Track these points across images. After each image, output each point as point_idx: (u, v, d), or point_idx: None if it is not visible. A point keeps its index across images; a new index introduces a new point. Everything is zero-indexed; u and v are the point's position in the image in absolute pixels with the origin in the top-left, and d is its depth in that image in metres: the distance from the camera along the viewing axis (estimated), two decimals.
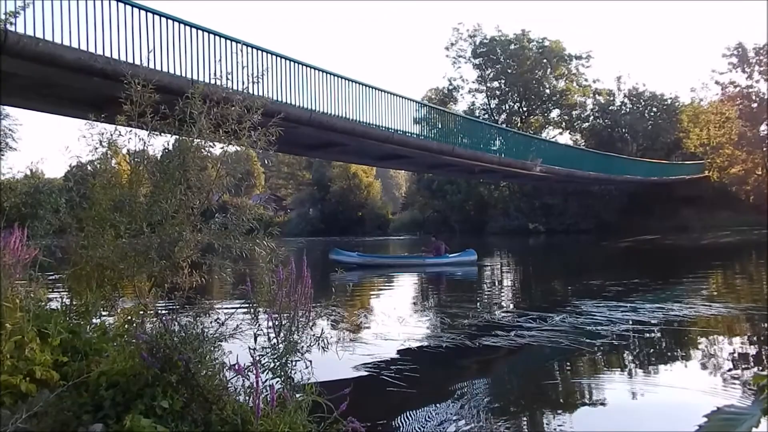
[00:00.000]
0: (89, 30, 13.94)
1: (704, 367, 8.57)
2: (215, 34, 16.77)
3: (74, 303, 5.41)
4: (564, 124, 69.33)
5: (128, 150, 6.17)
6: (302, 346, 4.26)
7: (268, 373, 4.07)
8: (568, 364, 8.77)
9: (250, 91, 6.38)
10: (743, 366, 8.44)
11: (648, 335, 10.20)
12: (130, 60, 14.16)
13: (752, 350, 9.49)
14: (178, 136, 5.94)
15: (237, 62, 15.04)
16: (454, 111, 52.68)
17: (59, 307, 5.36)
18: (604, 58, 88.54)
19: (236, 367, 3.96)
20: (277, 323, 4.26)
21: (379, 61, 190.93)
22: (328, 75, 21.46)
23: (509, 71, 66.65)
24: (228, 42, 16.95)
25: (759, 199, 53.78)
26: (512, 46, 66.15)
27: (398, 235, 67.40)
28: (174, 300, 5.15)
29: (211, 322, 4.65)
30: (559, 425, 6.40)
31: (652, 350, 9.65)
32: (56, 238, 6.09)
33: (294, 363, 4.20)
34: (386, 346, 9.80)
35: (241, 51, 16.79)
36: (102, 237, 5.49)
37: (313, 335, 4.37)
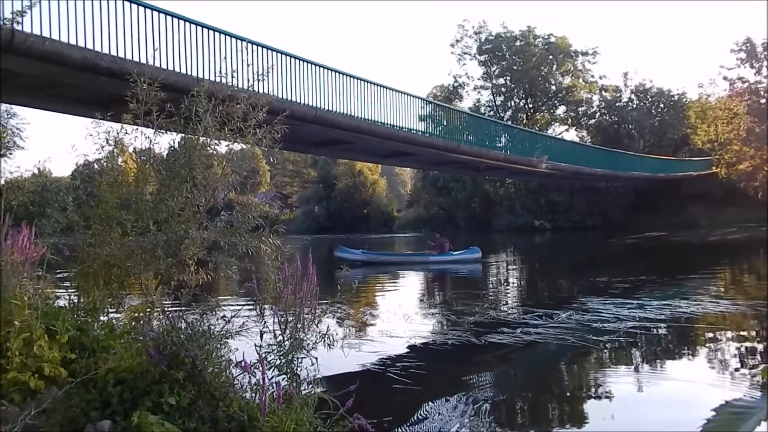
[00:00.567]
0: (95, 29, 13.99)
1: (711, 362, 8.56)
2: (220, 32, 16.79)
3: (82, 300, 5.45)
4: (570, 120, 69.06)
5: (134, 148, 6.21)
6: (308, 344, 4.28)
7: (274, 370, 4.08)
8: (575, 361, 8.78)
9: (255, 88, 6.39)
10: (750, 361, 8.43)
11: (655, 332, 10.19)
12: (135, 59, 14.20)
13: (759, 346, 9.47)
14: (183, 134, 5.96)
15: (242, 60, 15.06)
16: (460, 108, 52.53)
17: (67, 304, 5.40)
18: (611, 54, 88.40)
19: (243, 364, 3.98)
20: (282, 320, 4.28)
21: (385, 59, 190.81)
22: (333, 72, 21.46)
23: (515, 68, 66.38)
24: (233, 40, 16.97)
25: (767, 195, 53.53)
26: (518, 43, 65.91)
27: (404, 232, 67.36)
28: (180, 297, 5.16)
29: (217, 320, 4.67)
30: (565, 422, 6.40)
31: (659, 347, 9.64)
32: (64, 236, 6.12)
33: (300, 360, 4.21)
34: (392, 343, 9.81)
35: (246, 49, 16.81)
36: (109, 235, 5.52)
37: (319, 332, 4.39)
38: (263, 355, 4.05)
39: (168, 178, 5.79)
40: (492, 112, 65.90)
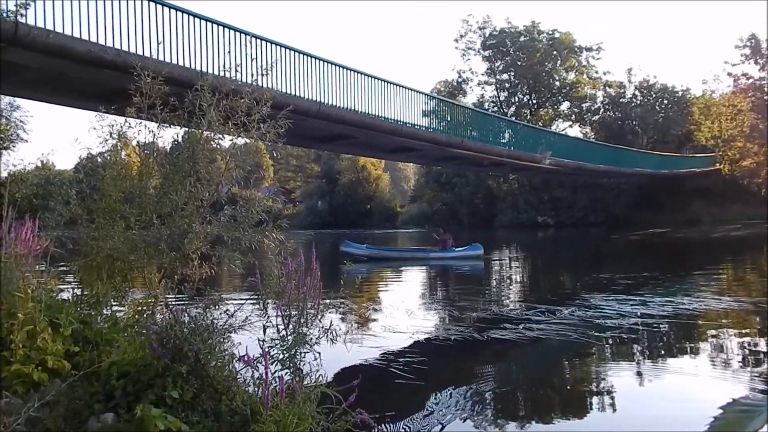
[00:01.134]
0: (99, 22, 13.98)
1: (714, 359, 8.54)
2: (224, 26, 16.78)
3: (85, 294, 5.45)
4: (574, 116, 68.99)
5: (138, 142, 6.21)
6: (311, 338, 4.28)
7: (277, 364, 4.09)
8: (577, 357, 8.77)
9: (259, 83, 6.39)
10: (753, 358, 8.42)
11: (657, 328, 10.17)
12: (139, 52, 14.20)
13: (762, 342, 9.46)
14: (187, 128, 5.96)
15: (246, 54, 15.07)
16: (463, 103, 52.53)
17: (70, 297, 5.40)
18: (615, 50, 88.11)
19: (246, 359, 3.99)
20: (286, 315, 4.28)
21: (388, 53, 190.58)
22: (337, 67, 21.44)
23: (519, 63, 66.31)
24: (237, 34, 16.96)
25: None
26: (522, 38, 65.79)
27: (407, 228, 67.33)
28: (184, 291, 5.17)
29: (220, 314, 4.68)
30: (567, 418, 6.40)
31: (661, 343, 9.63)
32: (67, 230, 6.13)
33: (303, 355, 4.22)
34: (395, 338, 9.82)
35: (250, 43, 16.81)
36: (112, 228, 5.52)
37: (322, 327, 4.39)
38: (266, 350, 4.05)
39: (171, 172, 5.79)
40: (496, 108, 65.86)
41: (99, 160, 6.90)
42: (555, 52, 65.71)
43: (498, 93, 69.46)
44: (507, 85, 69.09)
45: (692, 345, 9.57)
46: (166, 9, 15.43)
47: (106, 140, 5.92)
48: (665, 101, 64.00)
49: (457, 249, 25.28)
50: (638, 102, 64.68)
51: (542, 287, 18.31)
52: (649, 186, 56.09)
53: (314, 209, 80.00)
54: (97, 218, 5.71)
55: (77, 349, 4.37)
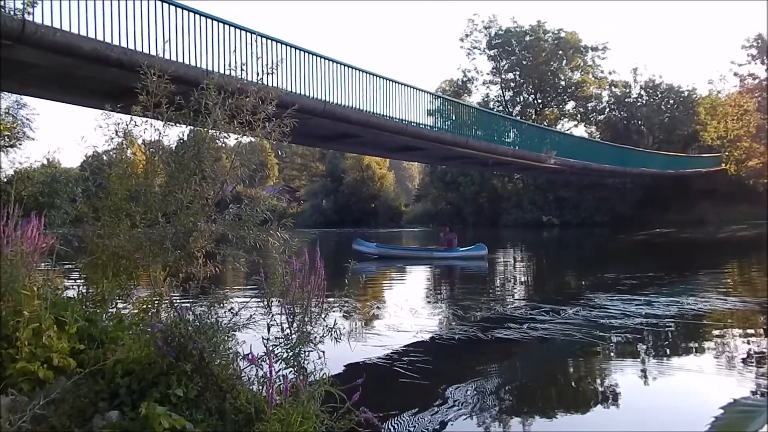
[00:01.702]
0: (106, 20, 14.01)
1: (718, 359, 8.51)
2: (230, 24, 16.79)
3: (90, 292, 5.47)
4: (579, 116, 68.83)
5: (143, 140, 6.21)
6: (315, 337, 4.29)
7: (281, 363, 4.09)
8: (582, 356, 8.76)
9: (265, 82, 6.39)
10: (757, 358, 8.39)
11: (662, 328, 10.15)
12: (146, 50, 14.23)
13: (766, 342, 9.44)
14: (192, 127, 5.97)
15: (252, 53, 15.08)
16: (468, 103, 52.48)
17: (76, 295, 5.42)
18: (621, 49, 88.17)
19: (250, 357, 4.00)
20: (290, 314, 4.29)
21: (394, 53, 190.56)
22: (343, 66, 21.44)
23: (524, 63, 66.24)
24: (243, 33, 16.97)
25: None
26: (527, 38, 65.69)
27: (411, 226, 67.31)
28: (188, 290, 5.18)
29: (225, 312, 4.68)
30: (571, 417, 6.40)
31: (666, 343, 9.61)
32: (73, 228, 6.15)
33: (307, 353, 4.22)
34: (399, 337, 9.82)
35: (256, 42, 16.82)
36: (118, 226, 5.54)
37: (326, 326, 4.39)
38: (270, 348, 4.06)
39: (177, 170, 5.81)
40: (501, 107, 65.79)
41: (105, 158, 6.93)
42: (560, 52, 65.57)
43: (503, 92, 69.36)
44: (512, 84, 68.99)
45: (697, 345, 9.55)
46: (172, 8, 15.45)
47: (112, 138, 5.94)
48: (671, 101, 63.81)
49: (461, 249, 25.24)
50: (644, 102, 64.51)
51: (547, 287, 18.28)
52: (654, 186, 55.96)
53: (319, 208, 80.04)
54: (103, 216, 5.73)
55: (82, 347, 4.39)
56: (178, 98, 5.78)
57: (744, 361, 8.33)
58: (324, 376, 4.05)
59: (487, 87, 70.04)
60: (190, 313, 4.27)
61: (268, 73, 6.62)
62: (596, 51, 66.25)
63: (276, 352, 4.12)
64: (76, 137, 6.11)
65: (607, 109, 67.04)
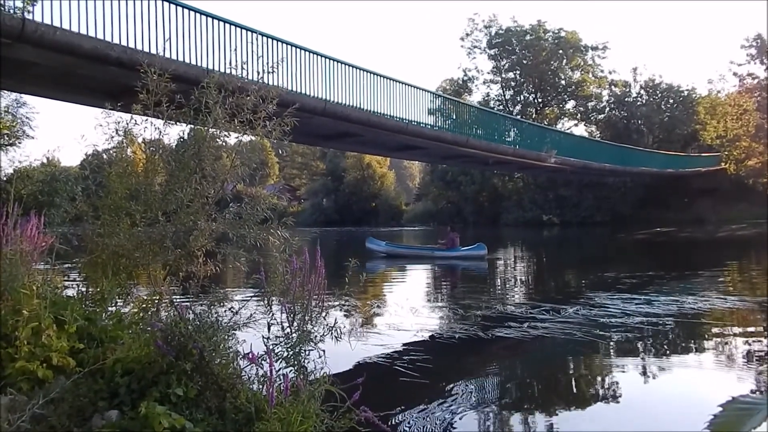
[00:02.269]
0: (106, 19, 14.00)
1: (717, 357, 8.50)
2: (231, 23, 16.79)
3: (90, 290, 5.46)
4: (579, 115, 68.94)
5: (144, 139, 6.21)
6: (315, 336, 4.28)
7: (281, 362, 4.09)
8: (581, 355, 8.76)
9: (266, 81, 6.38)
10: (756, 357, 8.39)
11: (662, 327, 10.15)
12: (146, 49, 14.22)
13: (766, 342, 9.43)
14: (193, 126, 5.96)
15: (252, 52, 15.07)
16: (469, 102, 52.46)
17: (75, 294, 5.41)
18: (621, 49, 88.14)
19: (250, 356, 3.99)
20: (290, 313, 4.28)
21: (394, 52, 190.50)
22: (343, 65, 21.44)
23: (524, 62, 66.30)
24: (244, 32, 16.97)
25: None
26: (528, 37, 65.76)
27: (412, 225, 67.30)
28: (189, 289, 5.17)
29: (225, 311, 4.68)
30: (570, 415, 6.39)
31: (665, 342, 9.59)
32: (72, 226, 6.14)
33: (307, 352, 4.22)
34: (399, 336, 9.80)
35: (257, 41, 16.81)
36: (118, 225, 5.53)
37: (326, 325, 4.39)
38: (271, 347, 4.05)
39: (177, 169, 5.80)
40: (501, 107, 65.88)
41: (105, 157, 6.91)
42: (561, 51, 65.65)
43: (503, 91, 69.43)
44: (512, 83, 69.06)
45: (696, 344, 9.55)
46: (173, 6, 15.44)
47: (112, 137, 5.94)
48: (671, 100, 63.95)
49: (462, 248, 25.20)
50: (644, 101, 64.62)
51: (547, 286, 18.28)
52: (654, 185, 56.01)
53: (319, 207, 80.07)
54: (103, 215, 5.72)
55: (82, 346, 4.38)
56: (179, 97, 5.78)
57: (743, 359, 8.33)
58: (324, 375, 4.04)
59: (488, 86, 70.28)
60: (190, 312, 4.26)
61: (268, 72, 6.61)
62: (596, 50, 66.40)
63: (276, 351, 4.11)
64: (76, 136, 6.12)
65: (607, 109, 67.16)
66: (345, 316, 11.37)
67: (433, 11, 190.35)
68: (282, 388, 3.70)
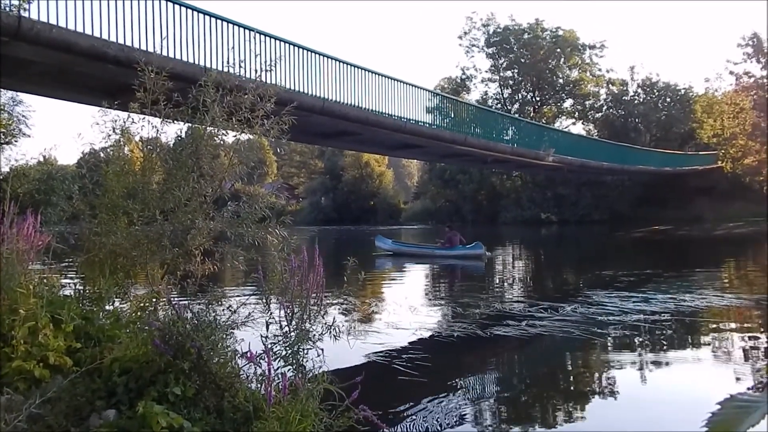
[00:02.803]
0: (103, 17, 13.97)
1: (715, 355, 8.52)
2: (229, 21, 16.76)
3: (87, 289, 5.44)
4: (577, 114, 69.00)
5: (141, 137, 6.19)
6: (314, 335, 4.27)
7: (279, 361, 4.07)
8: (579, 353, 8.76)
9: (263, 79, 6.36)
10: (754, 354, 8.40)
11: (660, 325, 10.16)
12: (143, 47, 14.18)
13: (763, 339, 9.45)
14: (191, 124, 5.94)
15: (250, 50, 15.04)
16: (467, 100, 52.45)
17: (73, 293, 5.39)
18: (618, 47, 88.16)
19: (248, 355, 3.97)
20: (289, 311, 4.26)
21: (393, 50, 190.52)
22: (342, 64, 21.41)
23: (522, 61, 66.34)
24: (241, 30, 16.95)
25: None
26: (526, 36, 65.82)
27: (410, 224, 67.30)
28: (186, 288, 5.15)
29: (223, 310, 4.66)
30: (569, 414, 6.39)
31: (663, 340, 9.60)
32: (69, 225, 6.12)
33: (306, 351, 4.20)
34: (398, 335, 9.80)
35: (254, 39, 16.78)
36: (115, 224, 5.51)
37: (325, 324, 4.37)
38: (269, 346, 4.04)
39: (175, 167, 5.78)
40: (499, 105, 65.92)
41: (102, 155, 6.88)
42: (558, 50, 65.72)
43: (501, 90, 69.47)
44: (510, 82, 69.12)
45: (694, 342, 9.57)
46: (170, 4, 15.40)
47: (109, 135, 5.92)
48: (668, 99, 64.08)
49: (460, 247, 25.17)
50: (641, 100, 64.75)
51: (545, 284, 18.30)
52: (652, 183, 56.09)
53: (318, 205, 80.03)
54: (100, 214, 5.70)
55: (79, 346, 4.36)
56: (176, 95, 5.76)
57: (741, 356, 8.34)
58: (323, 374, 4.03)
59: (486, 85, 70.31)
60: (188, 311, 4.24)
61: (266, 71, 6.59)
62: (594, 49, 66.53)
63: (275, 349, 4.10)
64: (73, 134, 6.11)
65: (605, 107, 67.28)
66: (344, 314, 11.36)
67: (432, 10, 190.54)
68: (280, 387, 3.69)
